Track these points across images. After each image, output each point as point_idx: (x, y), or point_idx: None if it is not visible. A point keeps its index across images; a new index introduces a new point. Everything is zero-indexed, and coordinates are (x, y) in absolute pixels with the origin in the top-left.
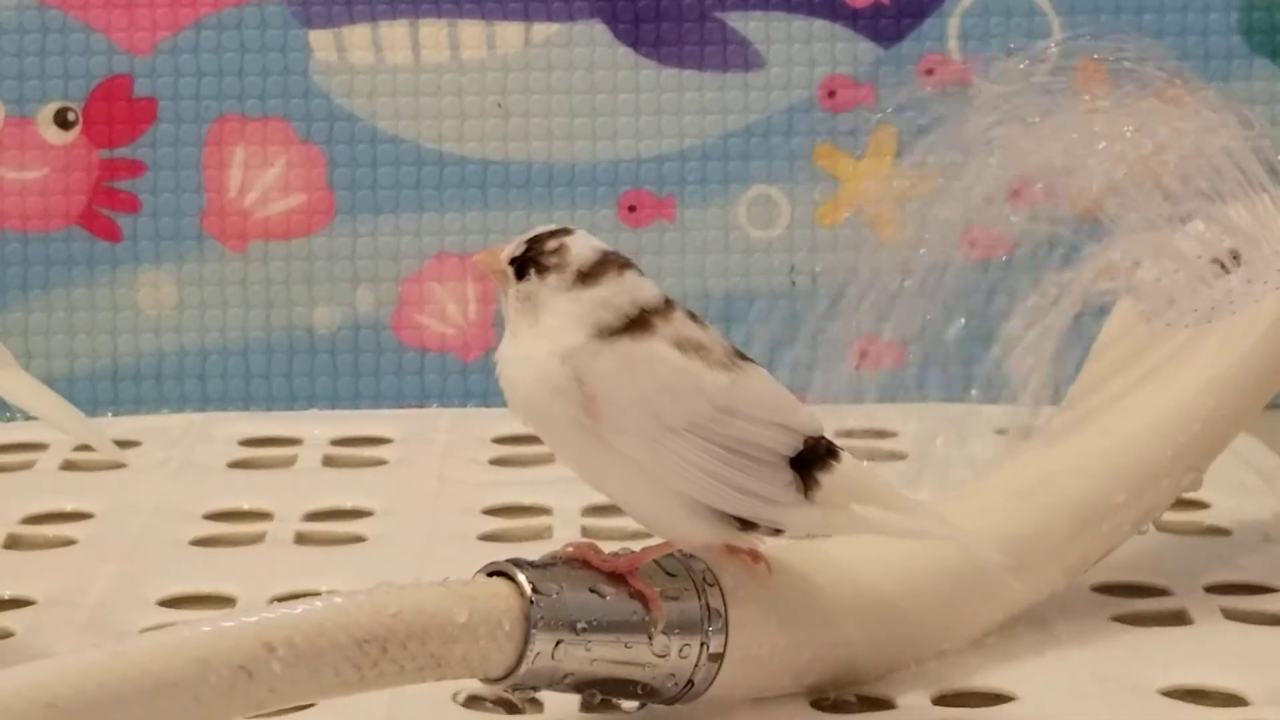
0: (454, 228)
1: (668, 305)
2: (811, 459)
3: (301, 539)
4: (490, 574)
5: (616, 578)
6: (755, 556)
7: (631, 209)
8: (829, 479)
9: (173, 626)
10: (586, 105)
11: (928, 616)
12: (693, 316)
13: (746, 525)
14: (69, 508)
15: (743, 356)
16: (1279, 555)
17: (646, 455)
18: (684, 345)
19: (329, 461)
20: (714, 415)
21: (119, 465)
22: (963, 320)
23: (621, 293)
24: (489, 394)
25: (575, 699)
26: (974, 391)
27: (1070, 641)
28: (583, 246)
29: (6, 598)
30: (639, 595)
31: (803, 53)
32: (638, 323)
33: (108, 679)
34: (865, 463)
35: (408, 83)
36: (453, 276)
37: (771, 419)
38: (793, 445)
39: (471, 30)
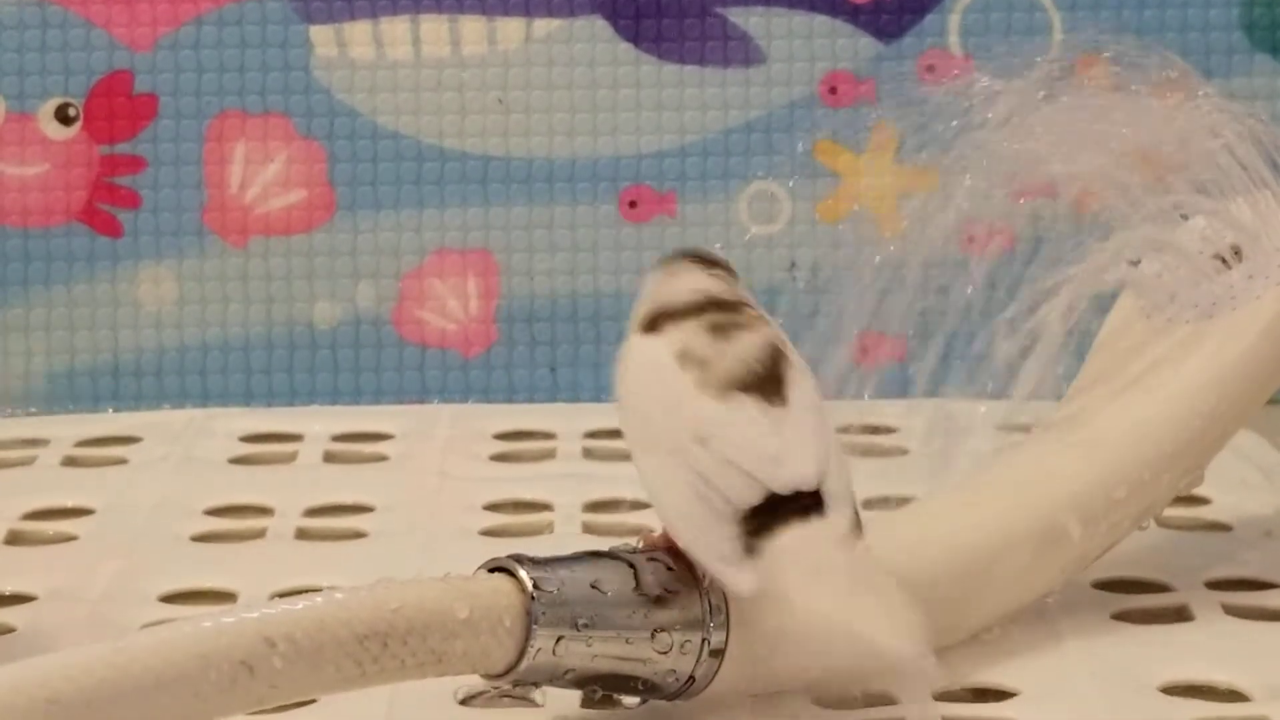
0: (455, 224)
1: (690, 310)
2: (775, 513)
3: (302, 535)
4: (491, 570)
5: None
6: None
7: (632, 204)
8: (788, 535)
9: (174, 622)
10: (587, 101)
11: (928, 613)
12: (717, 329)
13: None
14: (70, 504)
15: (759, 388)
16: None
17: (636, 456)
18: (686, 358)
19: (330, 457)
20: (686, 442)
21: (121, 460)
22: (963, 315)
23: (654, 288)
24: (490, 390)
25: (576, 695)
26: (974, 387)
27: (1071, 637)
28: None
29: (8, 594)
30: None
31: (804, 48)
32: (655, 321)
33: (109, 674)
34: (858, 542)
35: (408, 78)
36: (454, 272)
37: (737, 462)
38: (750, 498)
39: (472, 25)
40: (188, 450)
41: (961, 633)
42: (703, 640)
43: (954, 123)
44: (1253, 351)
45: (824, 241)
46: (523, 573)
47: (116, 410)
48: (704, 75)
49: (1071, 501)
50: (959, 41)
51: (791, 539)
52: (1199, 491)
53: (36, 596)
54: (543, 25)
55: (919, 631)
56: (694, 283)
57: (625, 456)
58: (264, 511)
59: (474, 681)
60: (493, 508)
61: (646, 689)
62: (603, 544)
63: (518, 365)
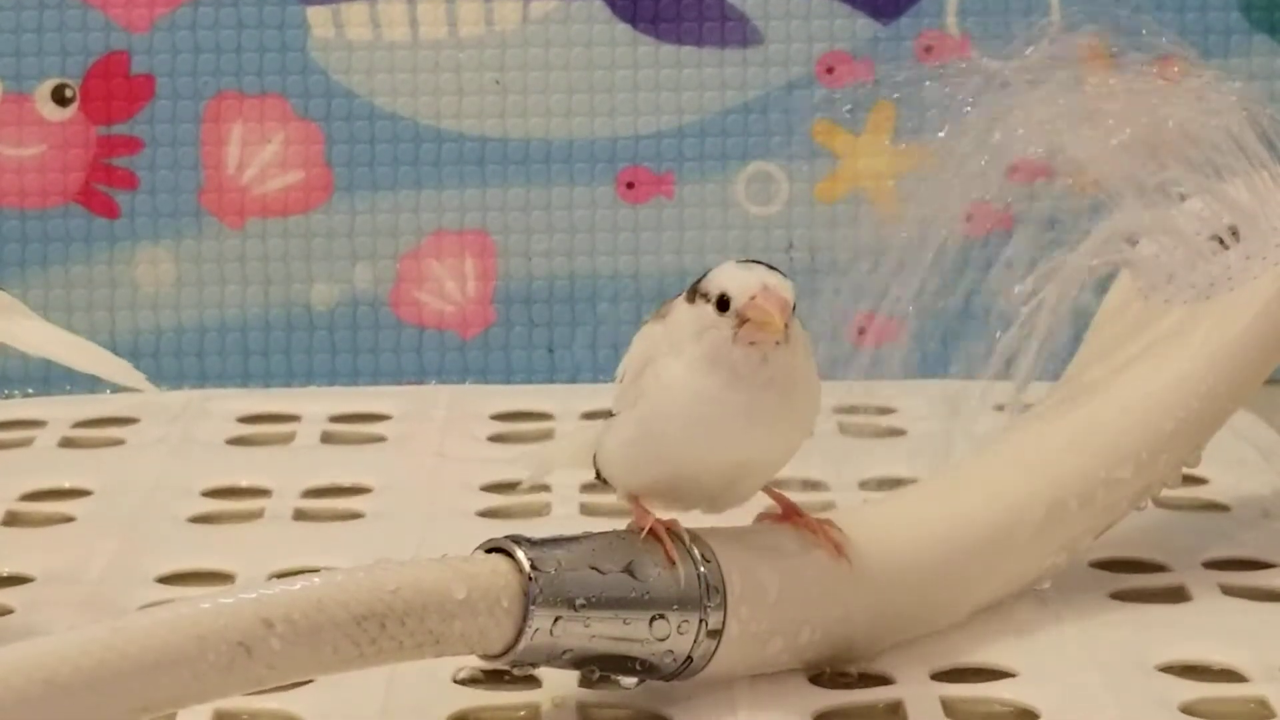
0: (452, 205)
1: None
2: None
3: (300, 516)
4: (489, 550)
5: None
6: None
7: (630, 185)
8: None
9: (171, 603)
10: (584, 82)
11: (928, 592)
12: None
13: None
14: (67, 485)
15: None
16: (1277, 531)
17: None
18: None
19: (327, 438)
20: None
21: (119, 441)
22: (961, 296)
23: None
24: (487, 371)
25: (574, 675)
26: (972, 368)
27: (1069, 617)
28: None
29: (5, 575)
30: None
31: (801, 29)
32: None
33: (106, 656)
34: None
35: (406, 59)
36: (451, 253)
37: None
38: None
39: (470, 6)
40: (185, 431)
41: (961, 611)
42: (700, 621)
43: (951, 103)
44: (1250, 332)
45: (822, 222)
46: (520, 553)
47: (114, 391)
48: (701, 56)
49: (1069, 481)
50: (956, 22)
51: None
52: (1197, 471)
53: (34, 578)
54: (540, 6)
55: None
56: None
57: None
58: (262, 493)
59: (472, 662)
60: (490, 488)
61: (644, 669)
62: (600, 525)
63: (515, 346)
